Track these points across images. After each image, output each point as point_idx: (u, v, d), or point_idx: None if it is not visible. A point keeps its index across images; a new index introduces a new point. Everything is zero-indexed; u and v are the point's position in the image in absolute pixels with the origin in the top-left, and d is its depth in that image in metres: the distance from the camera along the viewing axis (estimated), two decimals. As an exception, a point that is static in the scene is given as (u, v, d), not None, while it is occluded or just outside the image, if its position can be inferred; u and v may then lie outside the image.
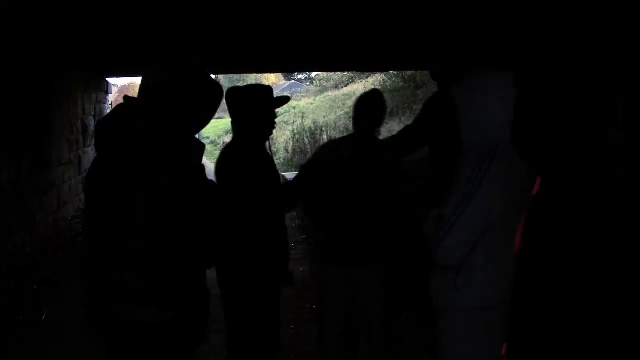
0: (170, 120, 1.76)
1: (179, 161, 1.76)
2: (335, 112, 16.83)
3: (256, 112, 2.60)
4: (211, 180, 2.00)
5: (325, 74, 22.81)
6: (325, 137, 13.82)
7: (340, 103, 17.83)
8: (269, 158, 2.70)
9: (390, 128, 13.82)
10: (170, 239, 1.72)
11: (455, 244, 1.68)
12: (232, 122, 2.67)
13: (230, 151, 2.63)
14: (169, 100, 1.76)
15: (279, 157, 14.36)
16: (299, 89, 30.52)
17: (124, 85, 41.70)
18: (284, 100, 2.82)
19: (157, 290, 1.72)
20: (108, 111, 10.10)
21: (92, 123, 8.43)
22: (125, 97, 1.84)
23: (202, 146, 1.89)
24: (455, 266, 1.74)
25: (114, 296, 1.71)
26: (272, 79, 33.99)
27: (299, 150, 13.96)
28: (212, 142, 20.66)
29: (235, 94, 2.66)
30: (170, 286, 1.75)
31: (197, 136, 1.94)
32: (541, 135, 1.33)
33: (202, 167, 1.90)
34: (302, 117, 16.59)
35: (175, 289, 1.77)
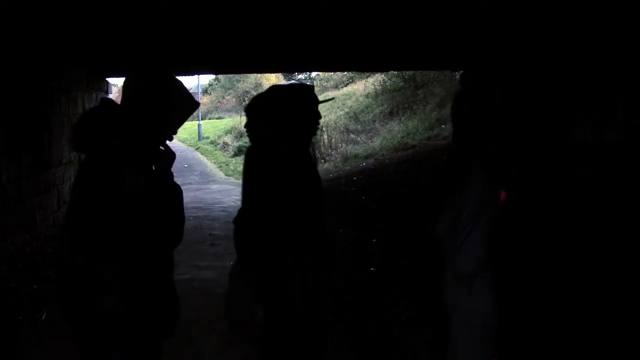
0: (149, 125, 1.86)
1: (148, 163, 1.85)
2: (335, 112, 16.84)
3: (298, 113, 2.51)
4: (176, 184, 2.05)
5: (325, 74, 22.82)
6: (325, 137, 13.83)
7: (340, 103, 17.84)
8: (310, 161, 2.63)
9: (390, 128, 13.84)
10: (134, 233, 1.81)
11: (471, 253, 1.67)
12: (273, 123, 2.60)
13: (265, 152, 2.59)
14: (151, 105, 1.85)
15: (279, 157, 14.35)
16: (299, 89, 30.47)
17: (124, 85, 41.56)
18: (329, 100, 2.80)
19: (119, 279, 1.80)
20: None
21: (92, 123, 8.40)
22: (102, 100, 1.94)
23: (173, 155, 2.00)
24: (472, 272, 1.72)
25: (83, 286, 1.80)
26: (272, 79, 33.97)
27: (299, 150, 13.95)
28: (212, 142, 20.67)
29: (278, 93, 2.57)
30: (131, 277, 1.82)
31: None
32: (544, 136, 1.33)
33: (171, 173, 1.99)
34: (302, 117, 16.57)
35: (138, 281, 1.86)
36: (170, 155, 1.99)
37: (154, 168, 1.98)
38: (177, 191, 2.02)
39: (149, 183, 1.86)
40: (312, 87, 2.64)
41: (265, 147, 2.70)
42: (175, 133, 2.03)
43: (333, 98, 3.08)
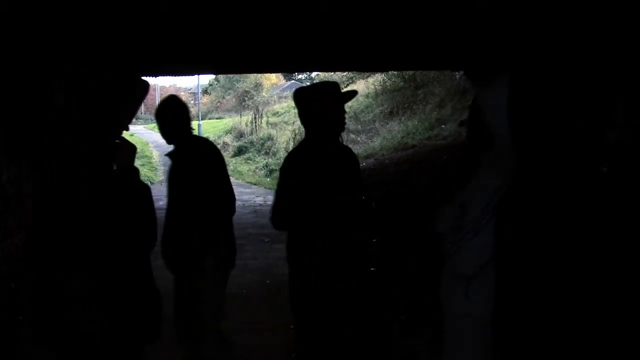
0: (94, 120, 1.77)
1: (104, 161, 1.77)
2: (335, 112, 16.81)
3: (327, 110, 2.54)
4: (142, 182, 1.96)
5: (325, 74, 22.80)
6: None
7: (340, 103, 17.81)
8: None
9: (390, 128, 13.84)
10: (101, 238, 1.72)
11: (471, 257, 1.65)
12: (302, 122, 2.64)
13: (301, 151, 2.63)
14: (90, 100, 1.76)
15: (279, 157, 14.37)
16: (299, 89, 30.44)
17: (124, 85, 41.55)
18: (352, 94, 2.76)
19: (97, 288, 1.74)
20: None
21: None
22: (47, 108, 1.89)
23: (133, 148, 1.89)
24: (471, 274, 1.71)
25: (58, 299, 1.72)
26: (272, 79, 33.97)
27: (299, 150, 13.96)
28: (212, 142, 20.65)
29: (304, 93, 2.63)
30: (107, 287, 1.75)
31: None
32: (534, 134, 1.33)
33: (135, 170, 1.88)
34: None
35: (115, 290, 1.78)
36: (129, 148, 1.86)
37: (115, 166, 1.84)
38: (144, 189, 1.90)
39: (107, 183, 1.76)
40: (333, 84, 2.66)
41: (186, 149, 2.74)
42: (129, 122, 1.93)
43: (356, 91, 3.02)
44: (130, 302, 1.82)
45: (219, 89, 36.70)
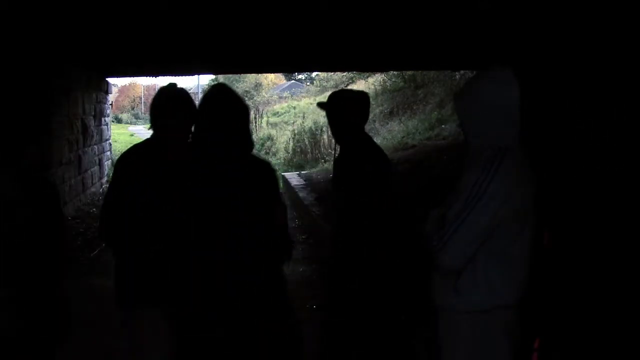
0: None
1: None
2: (336, 112, 16.82)
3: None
4: (48, 182, 1.98)
5: (325, 74, 22.82)
6: (325, 137, 13.84)
7: (340, 103, 17.81)
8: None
9: (390, 128, 13.83)
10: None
11: (457, 250, 1.67)
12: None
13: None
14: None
15: (279, 157, 14.36)
16: (299, 89, 30.50)
17: (124, 85, 41.70)
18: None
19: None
20: (108, 111, 10.14)
21: (92, 123, 8.43)
22: None
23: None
24: (458, 269, 1.73)
25: None
26: (272, 79, 33.98)
27: (299, 150, 13.95)
28: (212, 142, 20.64)
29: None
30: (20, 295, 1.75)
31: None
32: (543, 135, 1.34)
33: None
34: (303, 117, 16.59)
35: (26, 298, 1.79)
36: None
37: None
38: (51, 191, 1.88)
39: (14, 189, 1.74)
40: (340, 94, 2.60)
41: None
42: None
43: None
44: (38, 306, 1.82)
45: (219, 89, 36.63)
